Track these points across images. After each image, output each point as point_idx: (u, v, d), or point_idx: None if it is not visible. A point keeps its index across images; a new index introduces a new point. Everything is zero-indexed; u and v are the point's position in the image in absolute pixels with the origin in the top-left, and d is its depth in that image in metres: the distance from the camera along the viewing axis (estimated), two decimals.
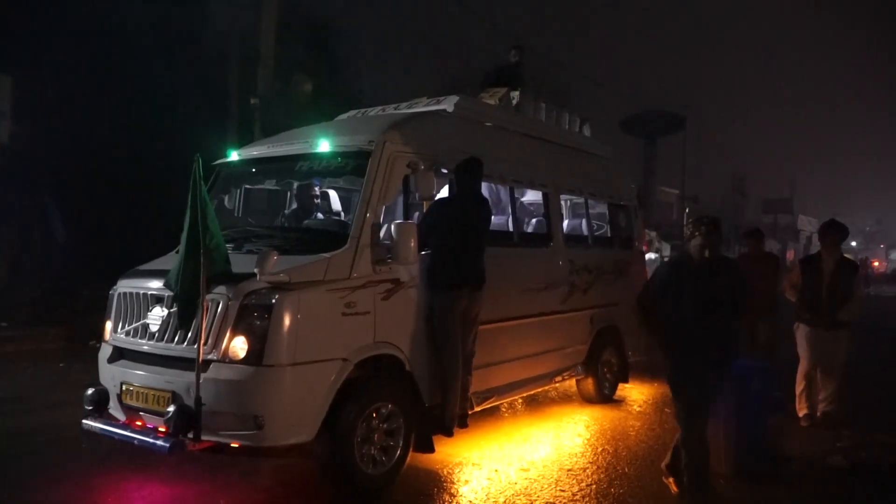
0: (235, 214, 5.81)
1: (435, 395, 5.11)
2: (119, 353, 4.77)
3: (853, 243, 59.59)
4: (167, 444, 3.96)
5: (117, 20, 14.87)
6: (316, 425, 4.21)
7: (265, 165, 5.78)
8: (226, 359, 4.12)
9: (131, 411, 4.52)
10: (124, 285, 4.87)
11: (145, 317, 4.57)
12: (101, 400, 4.60)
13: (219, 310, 4.17)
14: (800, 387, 6.60)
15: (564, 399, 7.66)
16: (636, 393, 8.02)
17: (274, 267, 4.13)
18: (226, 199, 5.79)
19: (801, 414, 6.58)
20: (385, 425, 4.65)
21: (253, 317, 4.12)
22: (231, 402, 4.07)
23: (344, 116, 6.92)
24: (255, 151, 5.82)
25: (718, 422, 5.08)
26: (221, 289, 4.20)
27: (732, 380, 4.95)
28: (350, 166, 5.13)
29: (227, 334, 4.13)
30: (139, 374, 4.49)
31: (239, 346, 4.11)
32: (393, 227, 4.77)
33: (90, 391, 4.60)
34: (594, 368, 7.21)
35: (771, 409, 5.49)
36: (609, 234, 7.93)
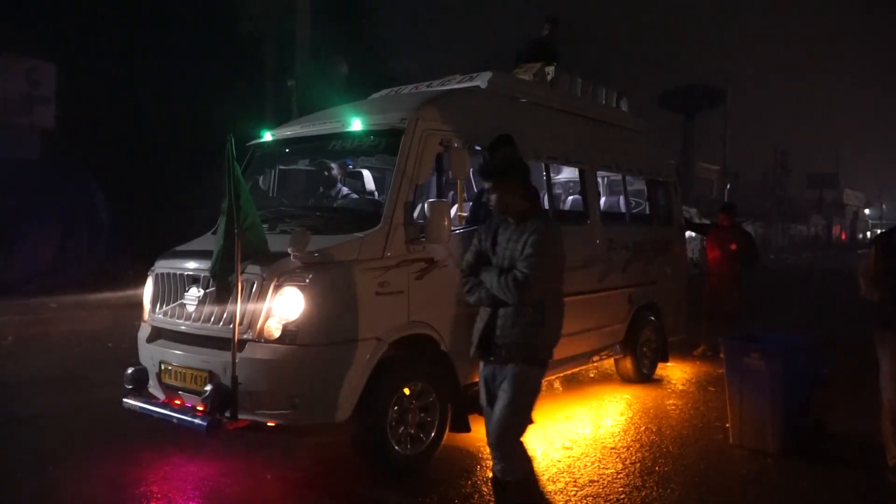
0: (270, 195, 5.82)
1: (470, 374, 5.06)
2: (157, 333, 4.83)
3: None
4: (205, 423, 4.00)
5: (156, 5, 15.06)
6: (351, 404, 4.20)
7: (298, 145, 5.76)
8: (261, 338, 4.14)
9: (170, 390, 4.58)
10: (161, 266, 4.91)
11: (182, 297, 4.61)
12: (141, 379, 4.67)
13: (253, 290, 4.19)
14: (888, 424, 4.57)
15: (604, 378, 7.57)
16: (678, 372, 7.88)
17: (308, 247, 4.12)
18: (260, 179, 5.80)
19: (892, 464, 4.57)
20: (420, 405, 4.62)
21: (287, 296, 4.13)
22: (267, 381, 4.09)
23: (377, 95, 6.86)
24: (288, 131, 5.81)
25: (765, 401, 4.97)
26: (256, 269, 4.20)
27: (779, 356, 4.79)
28: (383, 145, 5.07)
29: (262, 314, 4.14)
30: (177, 354, 4.54)
31: (274, 325, 4.12)
32: (426, 205, 4.71)
33: (130, 370, 4.68)
34: (633, 347, 7.09)
35: (818, 386, 5.30)
36: (647, 211, 7.77)
